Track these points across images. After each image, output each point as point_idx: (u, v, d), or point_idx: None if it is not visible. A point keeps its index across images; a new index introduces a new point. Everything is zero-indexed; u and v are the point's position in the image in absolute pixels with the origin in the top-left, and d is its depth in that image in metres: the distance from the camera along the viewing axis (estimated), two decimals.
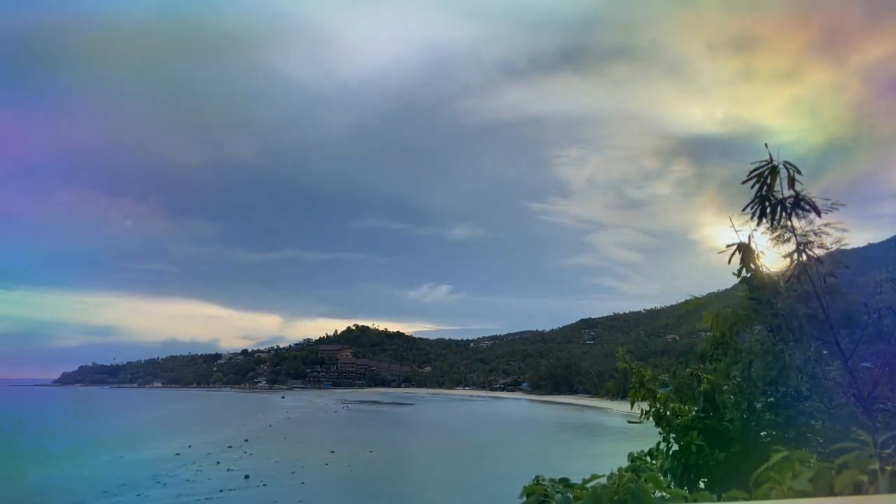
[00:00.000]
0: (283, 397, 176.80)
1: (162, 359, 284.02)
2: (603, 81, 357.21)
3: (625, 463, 4.20)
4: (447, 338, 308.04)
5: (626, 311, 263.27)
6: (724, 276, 4.49)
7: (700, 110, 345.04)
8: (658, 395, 4.96)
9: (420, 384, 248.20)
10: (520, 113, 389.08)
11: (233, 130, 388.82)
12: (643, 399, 5.04)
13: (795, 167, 3.99)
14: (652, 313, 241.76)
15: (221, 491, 38.94)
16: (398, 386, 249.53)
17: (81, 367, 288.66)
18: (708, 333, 4.77)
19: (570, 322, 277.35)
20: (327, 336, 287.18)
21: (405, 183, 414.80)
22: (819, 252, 4.04)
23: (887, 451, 2.18)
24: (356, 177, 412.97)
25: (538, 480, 2.65)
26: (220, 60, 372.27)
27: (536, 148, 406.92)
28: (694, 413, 4.75)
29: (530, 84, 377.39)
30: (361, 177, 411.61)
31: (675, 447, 4.63)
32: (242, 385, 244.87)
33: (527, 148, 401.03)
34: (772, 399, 4.50)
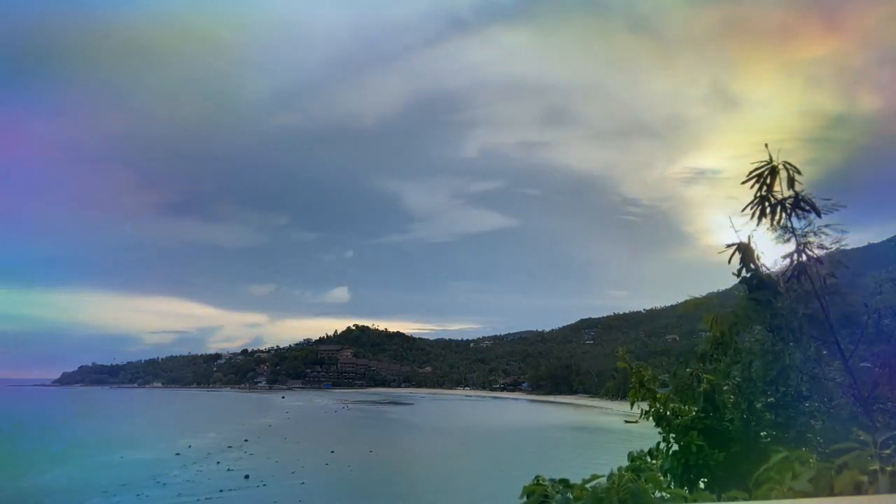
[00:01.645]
0: (282, 397, 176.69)
1: (162, 359, 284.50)
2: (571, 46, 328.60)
3: (625, 463, 4.20)
4: (447, 338, 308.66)
5: (626, 311, 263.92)
6: (723, 276, 4.50)
7: (683, 86, 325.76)
8: (658, 395, 4.96)
9: (420, 384, 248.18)
10: (473, 79, 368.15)
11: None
12: (643, 399, 5.04)
13: (795, 167, 3.98)
14: (652, 313, 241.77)
15: (221, 491, 38.93)
16: (398, 386, 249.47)
17: (81, 367, 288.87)
18: (708, 333, 4.77)
19: (570, 322, 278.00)
20: (327, 336, 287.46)
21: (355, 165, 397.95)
22: (819, 252, 4.04)
23: (887, 451, 2.18)
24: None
25: (538, 480, 2.65)
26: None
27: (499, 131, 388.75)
28: (694, 413, 4.74)
29: (483, 43, 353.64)
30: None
31: (675, 447, 4.63)
32: (242, 385, 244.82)
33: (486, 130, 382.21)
34: (772, 399, 4.50)
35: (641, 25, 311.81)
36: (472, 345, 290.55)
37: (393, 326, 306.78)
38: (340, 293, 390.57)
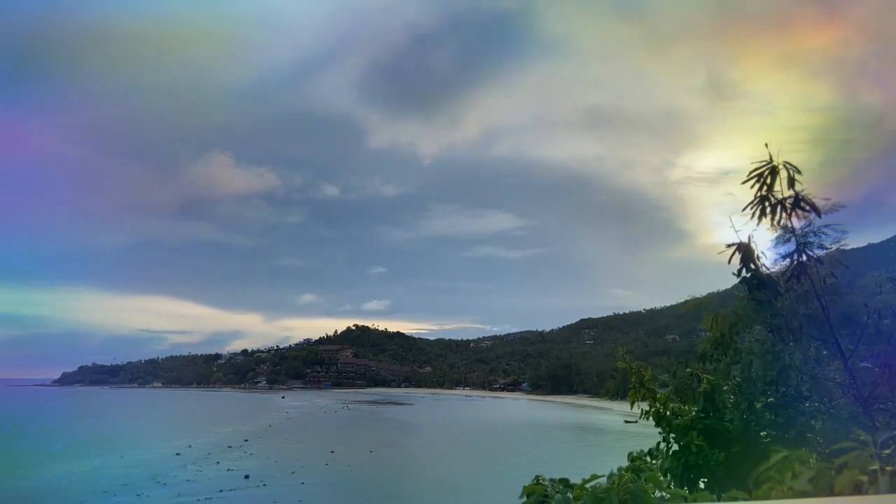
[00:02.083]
0: (283, 397, 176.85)
1: (162, 359, 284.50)
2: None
3: (625, 463, 4.20)
4: (447, 338, 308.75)
5: (626, 311, 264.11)
6: (724, 276, 4.50)
7: (680, 78, 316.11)
8: (658, 395, 4.96)
9: (420, 384, 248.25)
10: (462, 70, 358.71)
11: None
12: (643, 399, 5.03)
13: (796, 168, 3.99)
14: (652, 313, 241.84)
15: (221, 491, 38.95)
16: (398, 386, 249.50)
17: (81, 367, 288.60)
18: (708, 333, 4.77)
19: (570, 322, 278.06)
20: (327, 336, 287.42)
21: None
22: (819, 252, 4.04)
23: (887, 451, 2.18)
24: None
25: (538, 480, 2.65)
26: None
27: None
28: (694, 413, 4.74)
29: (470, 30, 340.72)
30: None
31: (675, 447, 4.63)
32: (242, 385, 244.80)
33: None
34: (772, 399, 4.49)
35: (635, 13, 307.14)
36: (472, 345, 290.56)
37: (393, 326, 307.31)
38: (379, 304, 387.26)
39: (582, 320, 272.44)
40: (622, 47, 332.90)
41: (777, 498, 2.29)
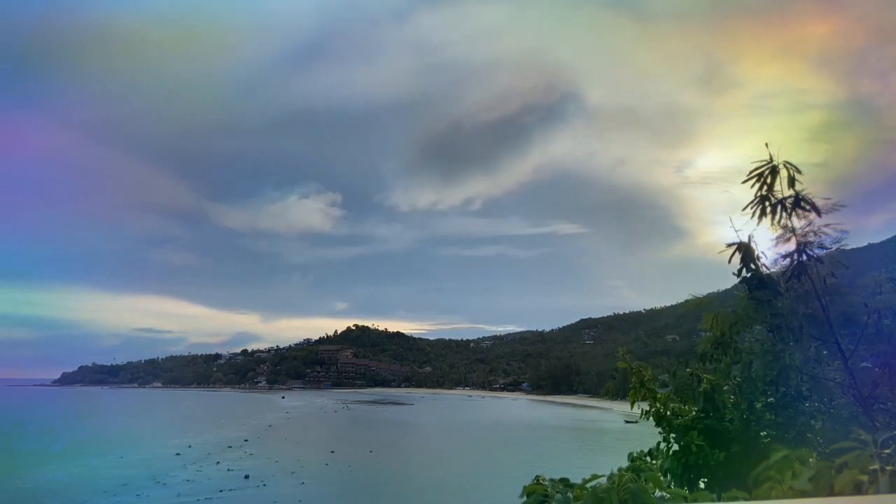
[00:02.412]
0: (283, 397, 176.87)
1: (162, 359, 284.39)
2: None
3: (625, 463, 4.19)
4: (447, 338, 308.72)
5: (626, 311, 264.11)
6: (724, 276, 4.50)
7: (678, 73, 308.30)
8: (658, 395, 4.96)
9: (420, 384, 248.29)
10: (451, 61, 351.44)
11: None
12: (643, 399, 5.03)
13: (796, 167, 3.99)
14: (652, 313, 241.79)
15: (221, 491, 38.94)
16: (398, 386, 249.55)
17: (81, 367, 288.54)
18: (708, 333, 4.76)
19: (570, 322, 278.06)
20: (327, 336, 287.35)
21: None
22: (819, 252, 4.04)
23: (887, 451, 2.18)
24: None
25: (538, 480, 2.65)
26: None
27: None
28: (694, 413, 4.74)
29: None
30: None
31: (675, 447, 4.63)
32: (242, 385, 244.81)
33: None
34: (772, 399, 4.49)
35: (633, 11, 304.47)
36: (472, 345, 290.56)
37: (393, 326, 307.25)
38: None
39: (582, 320, 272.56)
40: (621, 45, 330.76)
41: (777, 498, 2.29)
